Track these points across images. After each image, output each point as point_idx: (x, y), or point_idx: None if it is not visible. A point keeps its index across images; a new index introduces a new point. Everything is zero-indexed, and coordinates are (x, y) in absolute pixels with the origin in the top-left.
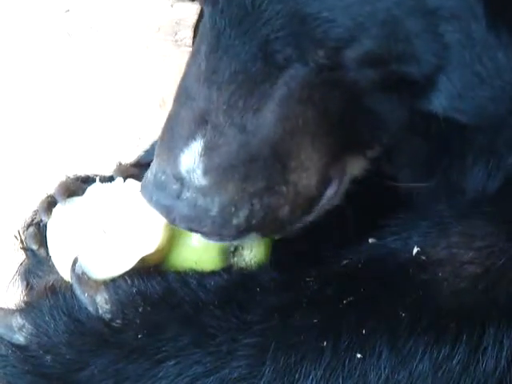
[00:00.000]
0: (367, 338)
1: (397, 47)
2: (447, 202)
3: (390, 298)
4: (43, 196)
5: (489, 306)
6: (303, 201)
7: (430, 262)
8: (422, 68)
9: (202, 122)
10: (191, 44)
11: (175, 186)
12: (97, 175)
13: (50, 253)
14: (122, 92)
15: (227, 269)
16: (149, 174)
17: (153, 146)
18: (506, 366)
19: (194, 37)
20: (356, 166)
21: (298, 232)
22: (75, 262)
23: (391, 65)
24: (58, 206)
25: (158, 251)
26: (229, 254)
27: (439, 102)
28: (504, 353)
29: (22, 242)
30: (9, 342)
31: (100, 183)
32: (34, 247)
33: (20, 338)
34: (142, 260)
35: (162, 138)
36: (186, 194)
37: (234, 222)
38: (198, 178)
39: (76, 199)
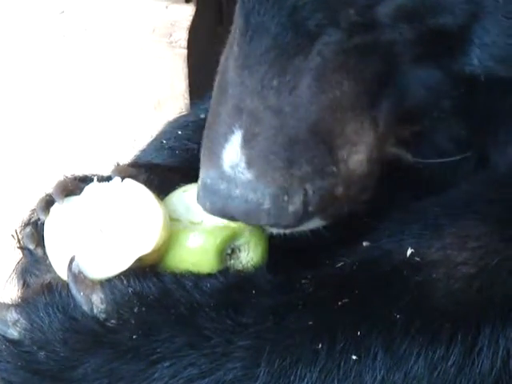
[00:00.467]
0: (362, 340)
1: None
2: (476, 176)
3: (384, 299)
4: (41, 195)
5: (483, 307)
6: (357, 178)
7: (425, 263)
8: (456, 18)
9: (237, 112)
10: (186, 46)
11: (223, 186)
12: (95, 175)
13: (47, 251)
14: (116, 93)
15: (224, 271)
16: (199, 183)
17: (149, 146)
18: (502, 367)
19: (190, 39)
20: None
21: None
22: (72, 260)
23: (426, 18)
24: (56, 204)
25: (154, 251)
26: (226, 255)
27: (476, 54)
28: (499, 353)
29: (19, 241)
30: (3, 336)
31: (98, 183)
32: (31, 247)
33: (14, 333)
34: (139, 260)
35: (204, 144)
36: (236, 192)
37: (291, 209)
38: (243, 173)
39: (74, 198)
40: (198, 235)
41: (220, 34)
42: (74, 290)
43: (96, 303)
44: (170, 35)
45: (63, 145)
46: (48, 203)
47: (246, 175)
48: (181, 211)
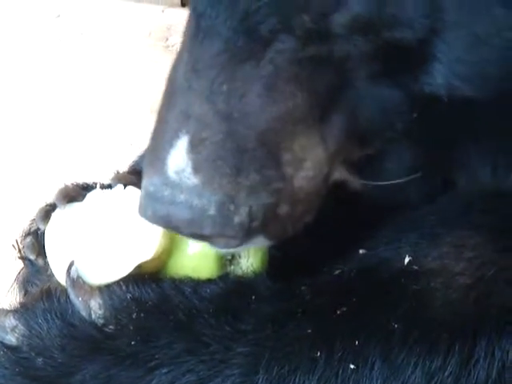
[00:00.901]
0: (360, 349)
1: (386, 10)
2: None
3: (382, 308)
4: (41, 205)
5: (480, 318)
6: (303, 196)
7: (423, 271)
8: (416, 33)
9: (184, 117)
10: None
11: (167, 193)
12: (97, 182)
13: (48, 257)
14: (112, 97)
15: (223, 277)
16: (141, 192)
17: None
18: (497, 378)
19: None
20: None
21: (300, 234)
22: (71, 265)
23: (382, 31)
24: (57, 210)
25: (154, 259)
26: (226, 261)
27: (439, 71)
28: (495, 365)
29: (19, 251)
30: (1, 342)
31: (100, 190)
32: (32, 257)
33: (12, 339)
34: (139, 267)
35: (148, 151)
36: (180, 197)
37: (236, 220)
38: (189, 178)
39: (75, 205)
40: None
41: None
42: (72, 295)
43: (94, 309)
44: (166, 39)
45: (60, 149)
46: (48, 213)
47: (192, 180)
48: None
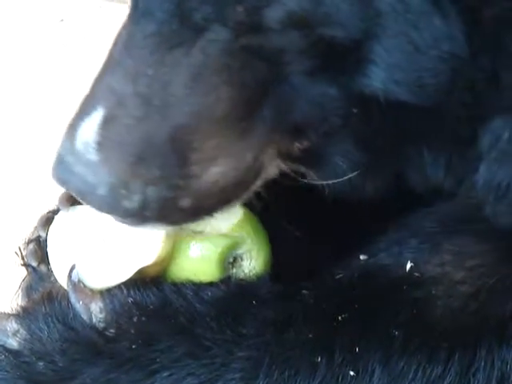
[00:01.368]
0: (360, 356)
1: (320, 9)
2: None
3: (383, 315)
4: (42, 212)
5: (480, 327)
6: (216, 190)
7: (424, 278)
8: (348, 33)
9: (107, 91)
10: None
11: (70, 160)
12: None
13: (50, 260)
14: None
15: (225, 280)
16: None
17: None
18: None
19: None
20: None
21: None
22: (72, 269)
23: (316, 28)
24: (60, 213)
25: (156, 263)
26: (228, 264)
27: (377, 75)
28: (494, 375)
29: (22, 258)
30: (2, 346)
31: None
32: (35, 264)
33: (13, 343)
34: (141, 272)
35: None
36: (78, 168)
37: (126, 205)
38: (91, 152)
39: (78, 208)
40: (200, 244)
41: None
42: (73, 299)
43: (95, 312)
44: None
45: None
46: (49, 220)
47: (93, 156)
48: None
